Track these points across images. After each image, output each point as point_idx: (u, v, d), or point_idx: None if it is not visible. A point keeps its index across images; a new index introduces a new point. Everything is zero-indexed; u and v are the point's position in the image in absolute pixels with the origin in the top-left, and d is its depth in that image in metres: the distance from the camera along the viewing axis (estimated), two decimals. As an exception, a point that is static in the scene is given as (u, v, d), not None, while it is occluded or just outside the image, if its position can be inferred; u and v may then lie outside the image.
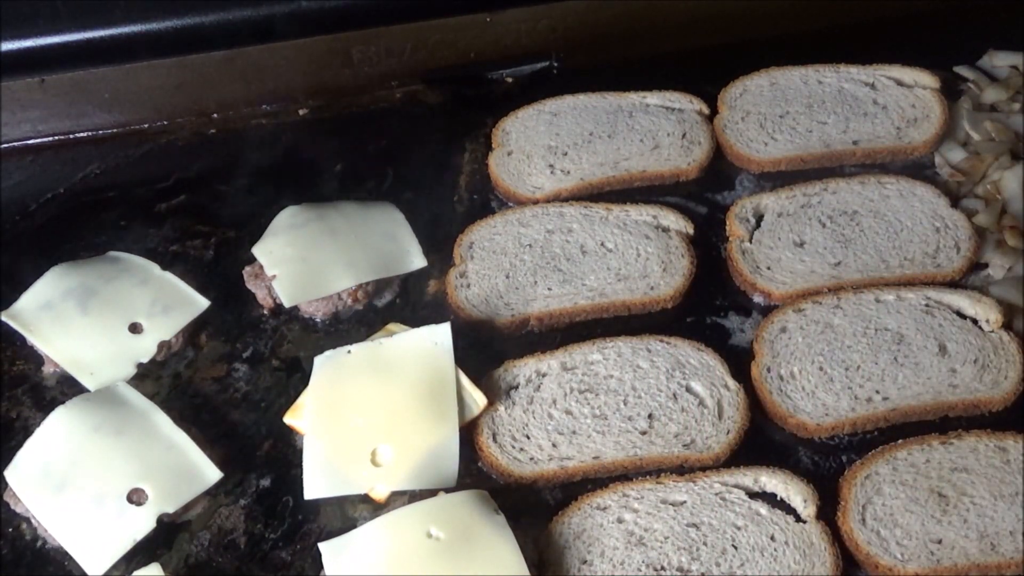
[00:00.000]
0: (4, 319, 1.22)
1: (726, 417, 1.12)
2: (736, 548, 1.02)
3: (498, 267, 1.27)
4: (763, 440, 1.12)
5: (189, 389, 1.19)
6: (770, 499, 1.05)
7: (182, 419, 1.12)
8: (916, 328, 1.18)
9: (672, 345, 1.18)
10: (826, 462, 1.11)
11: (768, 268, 1.26)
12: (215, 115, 1.52)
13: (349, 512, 1.07)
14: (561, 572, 1.01)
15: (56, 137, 1.49)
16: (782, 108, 1.43)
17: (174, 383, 1.20)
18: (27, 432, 1.11)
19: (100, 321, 1.21)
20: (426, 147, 1.46)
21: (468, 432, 1.11)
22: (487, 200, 1.38)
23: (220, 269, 1.31)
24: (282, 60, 1.49)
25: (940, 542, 1.02)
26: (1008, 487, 1.05)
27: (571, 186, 1.36)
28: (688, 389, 1.14)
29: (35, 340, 1.20)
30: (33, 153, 1.48)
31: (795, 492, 1.05)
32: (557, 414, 1.13)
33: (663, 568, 1.01)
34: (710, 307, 1.25)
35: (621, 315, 1.24)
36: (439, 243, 1.31)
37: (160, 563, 1.03)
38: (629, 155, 1.39)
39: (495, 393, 1.14)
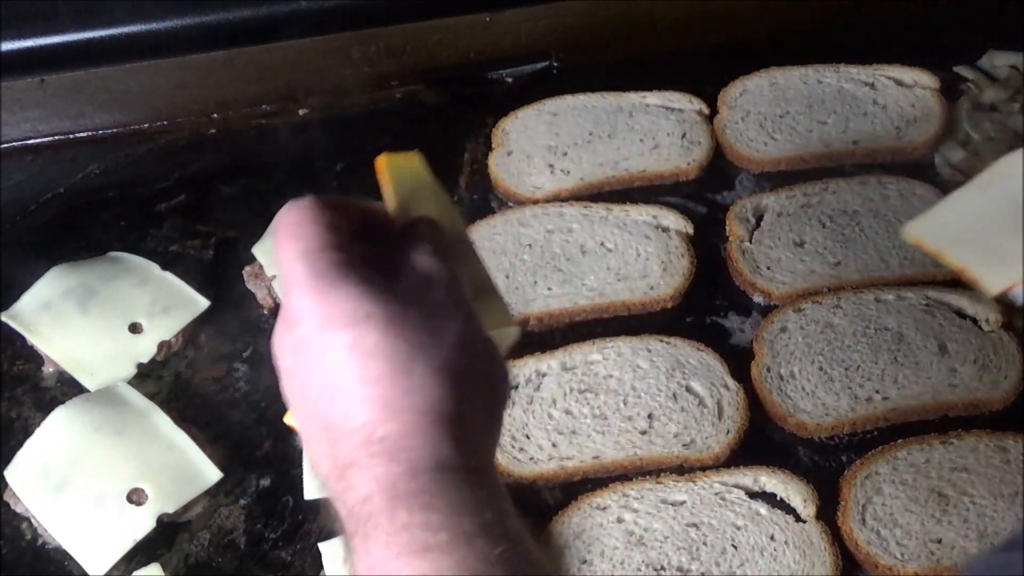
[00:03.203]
0: (4, 319, 1.22)
1: (726, 417, 1.12)
2: (736, 548, 1.02)
3: (498, 267, 1.27)
4: (763, 440, 1.12)
5: (189, 389, 1.19)
6: (770, 499, 1.05)
7: (182, 419, 1.12)
8: (916, 328, 1.18)
9: (672, 345, 1.18)
10: (826, 462, 1.11)
11: (768, 268, 1.26)
12: (215, 115, 1.52)
13: (349, 512, 1.07)
14: (561, 572, 1.01)
15: (56, 137, 1.49)
16: (782, 108, 1.43)
17: (174, 383, 1.20)
18: (27, 432, 1.11)
19: (100, 321, 1.21)
20: (426, 147, 1.45)
21: (468, 432, 1.11)
22: (487, 200, 1.38)
23: (220, 269, 1.31)
24: (282, 60, 1.49)
25: (940, 542, 1.02)
26: (1008, 487, 1.05)
27: (571, 186, 1.36)
28: (688, 389, 1.14)
29: (35, 340, 1.20)
30: (33, 153, 1.48)
31: (795, 492, 1.05)
32: (557, 414, 1.13)
33: (663, 568, 1.01)
34: (710, 307, 1.25)
35: (621, 315, 1.24)
36: (439, 243, 1.31)
37: (160, 563, 1.03)
38: (629, 155, 1.39)
39: (495, 393, 1.14)
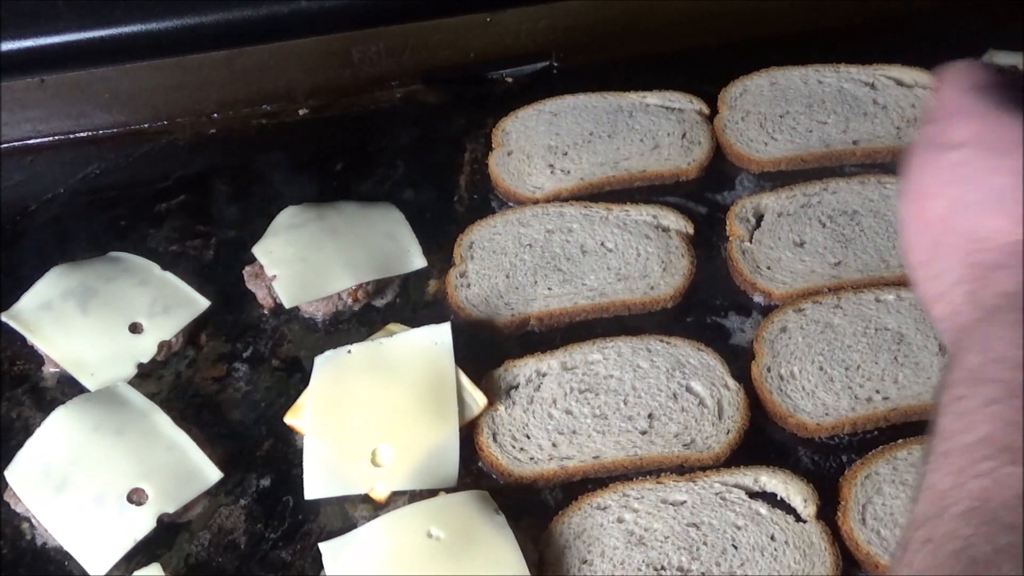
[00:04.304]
0: (4, 319, 1.22)
1: (726, 417, 1.12)
2: (736, 548, 1.02)
3: (498, 267, 1.27)
4: (763, 440, 1.12)
5: (189, 389, 1.19)
6: (770, 499, 1.05)
7: (182, 419, 1.12)
8: (916, 328, 1.18)
9: (672, 345, 1.18)
10: (826, 462, 1.11)
11: (768, 268, 1.26)
12: (215, 115, 1.52)
13: (349, 512, 1.07)
14: (561, 572, 1.01)
15: (56, 137, 1.49)
16: (782, 108, 1.43)
17: (174, 383, 1.20)
18: (27, 432, 1.11)
19: (100, 321, 1.21)
20: (426, 147, 1.46)
21: (468, 432, 1.11)
22: (487, 200, 1.38)
23: (220, 269, 1.31)
24: (282, 60, 1.49)
25: (940, 542, 1.02)
26: (1008, 487, 1.05)
27: (571, 186, 1.36)
28: (688, 389, 1.14)
29: (35, 340, 1.20)
30: (33, 153, 1.48)
31: (795, 492, 1.05)
32: (557, 414, 1.13)
33: (663, 568, 1.01)
34: (710, 307, 1.25)
35: (621, 315, 1.24)
36: (439, 243, 1.31)
37: (160, 563, 1.03)
38: (629, 155, 1.39)
39: (495, 393, 1.14)
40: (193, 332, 1.24)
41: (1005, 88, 0.76)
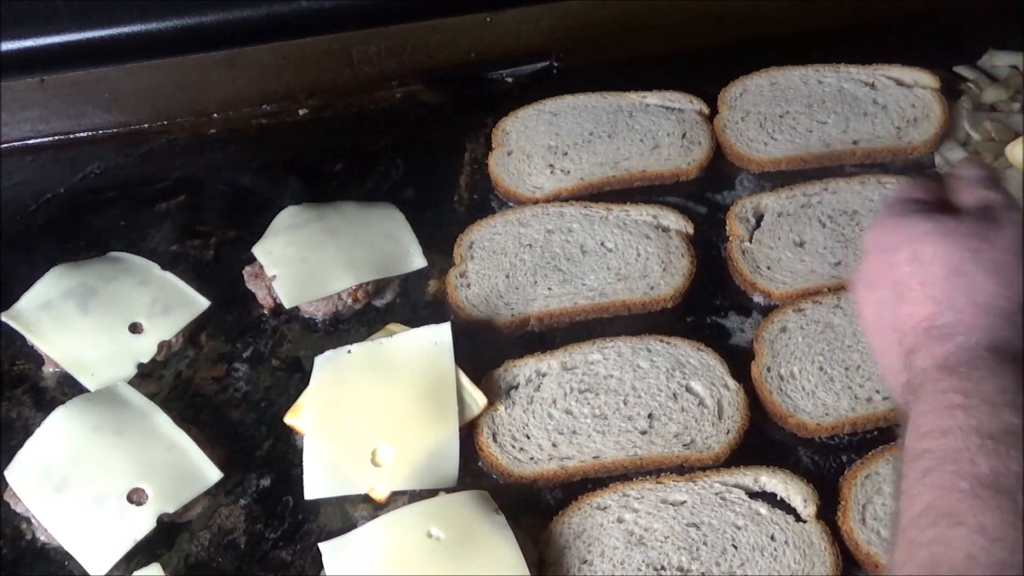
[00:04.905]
0: (4, 319, 1.22)
1: (726, 417, 1.12)
2: (736, 548, 1.02)
3: (498, 267, 1.27)
4: (763, 440, 1.12)
5: (189, 389, 1.19)
6: (770, 499, 1.05)
7: (182, 419, 1.12)
8: (916, 328, 1.18)
9: (672, 345, 1.18)
10: (826, 462, 1.11)
11: (768, 268, 1.26)
12: (215, 115, 1.52)
13: (349, 512, 1.07)
14: (561, 572, 1.01)
15: (56, 137, 1.49)
16: (782, 108, 1.43)
17: (174, 383, 1.20)
18: (27, 432, 1.11)
19: (100, 321, 1.21)
20: (426, 147, 1.46)
21: (468, 432, 1.11)
22: (487, 200, 1.38)
23: (220, 269, 1.31)
24: (282, 60, 1.49)
25: (940, 542, 1.02)
26: (1008, 487, 1.04)
27: (571, 186, 1.36)
28: (688, 389, 1.14)
29: (35, 340, 1.20)
30: (33, 153, 1.48)
31: (795, 492, 1.05)
32: (557, 414, 1.13)
33: (663, 568, 1.01)
34: (710, 307, 1.25)
35: (621, 315, 1.24)
36: (439, 243, 1.31)
37: (160, 563, 1.03)
38: (629, 155, 1.39)
39: (495, 393, 1.14)
40: (193, 332, 1.24)
41: (926, 194, 0.84)
